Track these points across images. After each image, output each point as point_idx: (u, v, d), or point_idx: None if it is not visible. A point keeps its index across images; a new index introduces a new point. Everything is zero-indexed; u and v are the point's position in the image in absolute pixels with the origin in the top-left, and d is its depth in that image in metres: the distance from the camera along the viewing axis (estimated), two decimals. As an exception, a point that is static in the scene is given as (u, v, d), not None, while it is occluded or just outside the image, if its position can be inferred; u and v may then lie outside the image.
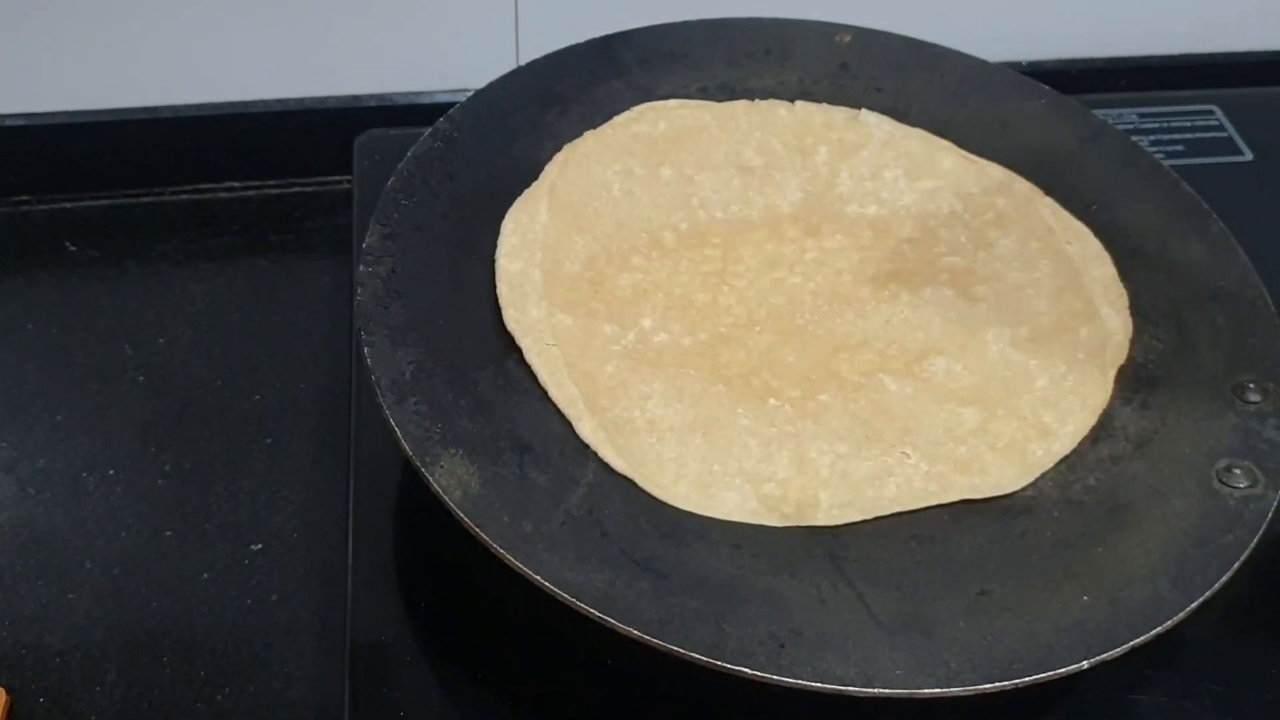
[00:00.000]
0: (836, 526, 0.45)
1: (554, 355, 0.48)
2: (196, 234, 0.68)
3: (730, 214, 0.55)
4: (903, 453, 0.47)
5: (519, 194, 0.53)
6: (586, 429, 0.46)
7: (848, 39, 0.61)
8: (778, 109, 0.58)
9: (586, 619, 0.40)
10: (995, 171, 0.57)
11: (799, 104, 0.58)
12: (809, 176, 0.56)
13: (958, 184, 0.56)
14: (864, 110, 0.58)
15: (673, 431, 0.46)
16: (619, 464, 0.45)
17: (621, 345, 0.49)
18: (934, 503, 0.46)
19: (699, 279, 0.52)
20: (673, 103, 0.58)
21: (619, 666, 0.46)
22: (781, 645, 0.40)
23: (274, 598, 0.53)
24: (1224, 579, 0.42)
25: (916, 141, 0.58)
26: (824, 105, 0.59)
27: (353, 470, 0.52)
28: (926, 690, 0.39)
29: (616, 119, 0.57)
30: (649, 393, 0.48)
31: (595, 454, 0.46)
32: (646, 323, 0.50)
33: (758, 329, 0.50)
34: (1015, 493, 0.46)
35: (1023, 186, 0.56)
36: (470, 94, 0.56)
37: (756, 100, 0.59)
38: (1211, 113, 0.71)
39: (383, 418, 0.44)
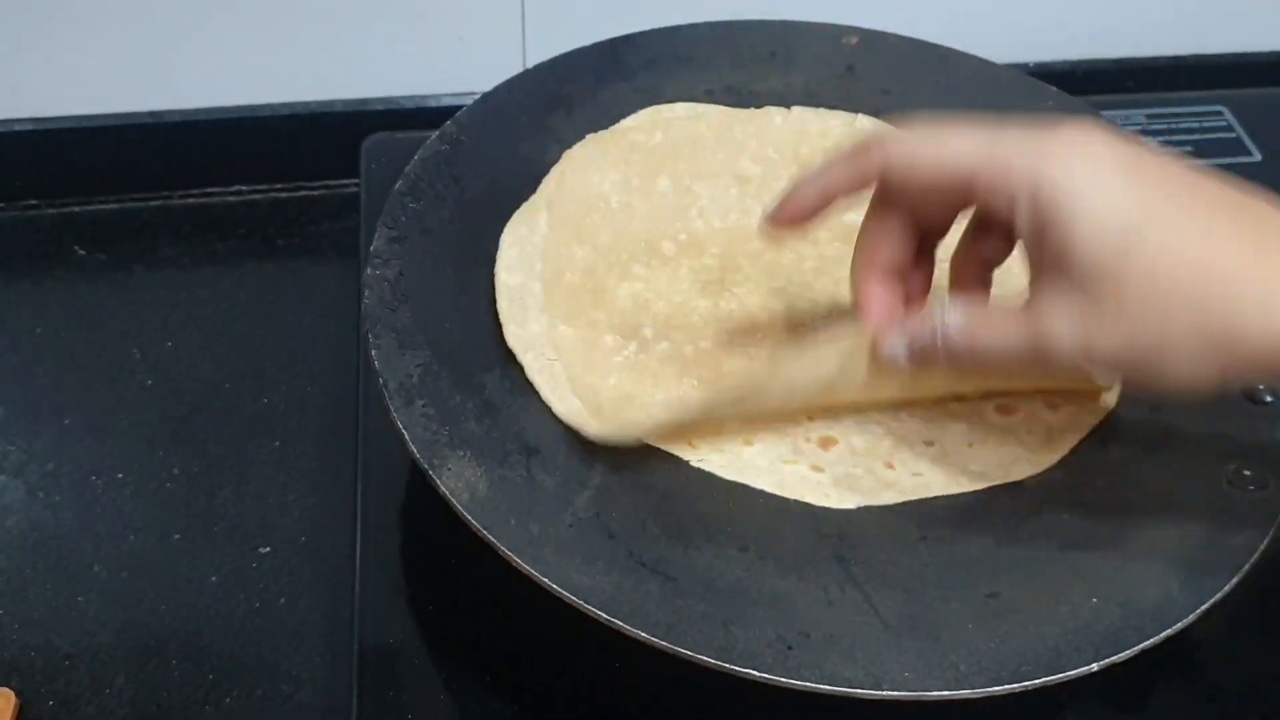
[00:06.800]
0: (845, 527, 0.45)
1: (555, 370, 0.48)
2: (204, 238, 0.69)
3: (729, 223, 0.54)
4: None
5: (526, 197, 0.53)
6: (592, 434, 0.46)
7: (854, 41, 0.61)
8: (773, 117, 0.58)
9: (594, 621, 0.40)
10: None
11: (795, 110, 0.58)
12: (807, 184, 0.56)
13: None
14: (860, 116, 0.58)
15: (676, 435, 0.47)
16: (620, 434, 0.45)
17: (623, 356, 0.49)
18: (939, 493, 0.46)
19: (699, 287, 0.52)
20: (679, 107, 0.58)
21: (627, 669, 0.46)
22: (789, 647, 0.40)
23: (282, 601, 0.53)
24: (1234, 581, 0.42)
25: (915, 146, 0.57)
26: (820, 111, 0.58)
27: (360, 473, 0.52)
28: (935, 693, 0.39)
29: (615, 125, 0.57)
30: (651, 403, 0.47)
31: (602, 456, 0.45)
32: (648, 332, 0.50)
33: (759, 336, 0.50)
34: (1024, 494, 0.46)
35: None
36: (477, 97, 0.56)
37: (752, 109, 0.58)
38: (1220, 113, 0.71)
39: (390, 420, 0.44)
